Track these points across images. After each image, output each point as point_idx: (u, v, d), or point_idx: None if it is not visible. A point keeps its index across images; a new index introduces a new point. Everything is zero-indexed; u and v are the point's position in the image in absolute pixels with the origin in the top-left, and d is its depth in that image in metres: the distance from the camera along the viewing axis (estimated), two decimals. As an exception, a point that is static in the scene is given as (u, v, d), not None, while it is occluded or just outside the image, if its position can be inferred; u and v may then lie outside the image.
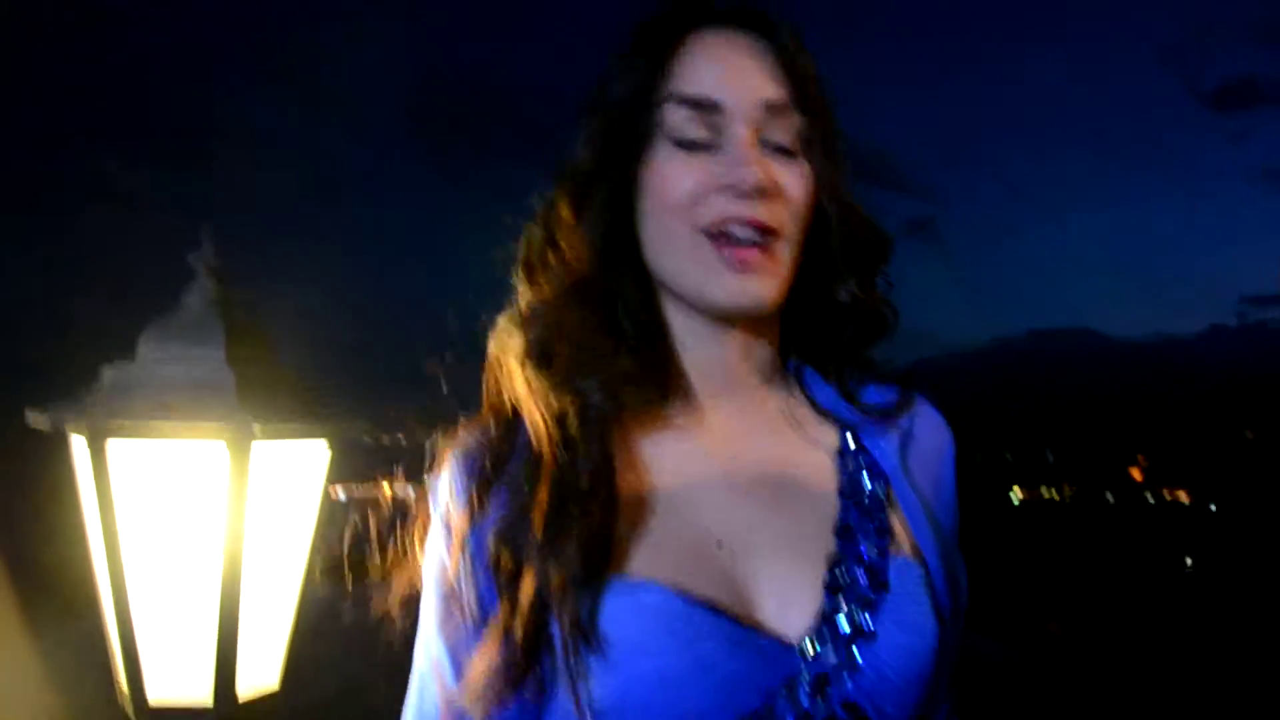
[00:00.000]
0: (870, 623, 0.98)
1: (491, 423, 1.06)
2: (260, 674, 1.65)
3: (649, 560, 0.98)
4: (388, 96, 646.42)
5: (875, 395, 1.16)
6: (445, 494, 1.04)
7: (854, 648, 0.97)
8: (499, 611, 0.96)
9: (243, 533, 1.55)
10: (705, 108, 1.01)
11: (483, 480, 1.01)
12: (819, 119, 1.04)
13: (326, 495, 1.71)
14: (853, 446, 1.12)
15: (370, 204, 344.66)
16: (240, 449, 1.53)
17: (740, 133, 1.00)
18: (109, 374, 1.64)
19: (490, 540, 0.98)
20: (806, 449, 1.11)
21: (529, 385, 1.02)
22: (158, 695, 1.58)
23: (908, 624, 1.00)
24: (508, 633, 0.95)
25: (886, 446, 1.12)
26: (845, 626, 0.98)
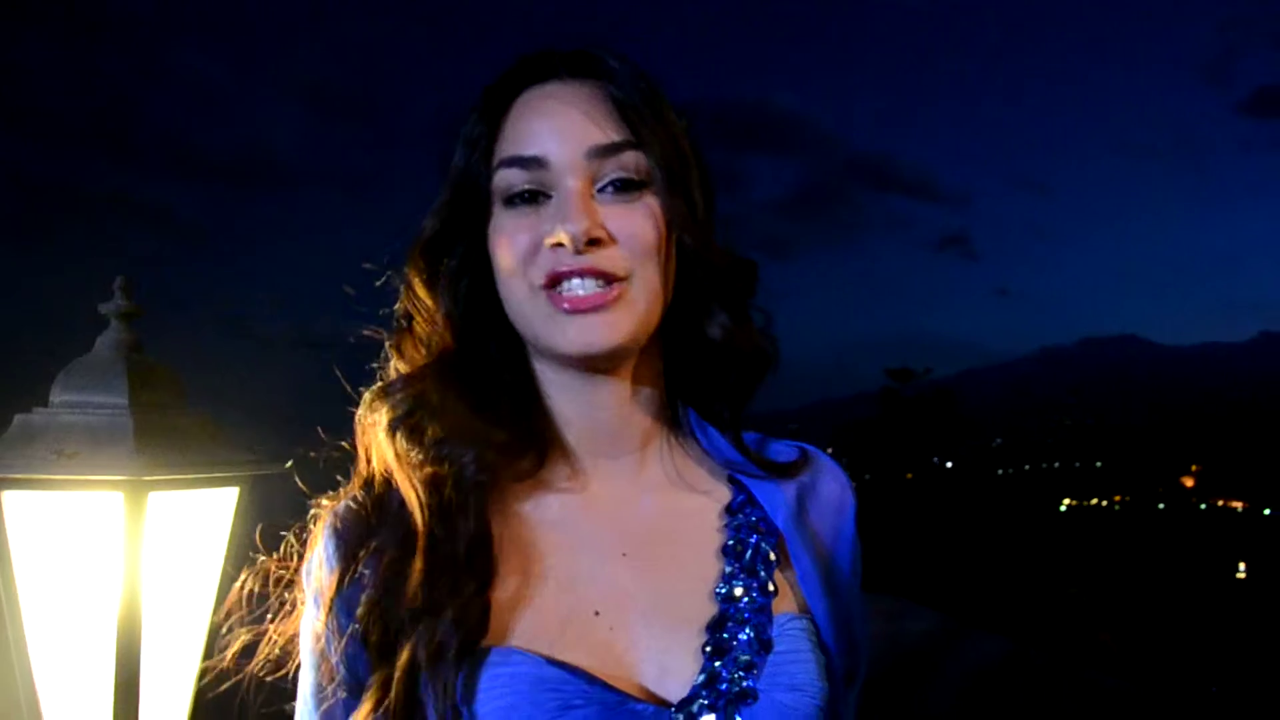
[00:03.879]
0: (752, 684, 0.97)
1: (360, 492, 1.05)
2: (166, 714, 1.66)
3: (523, 630, 0.97)
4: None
5: (774, 451, 1.14)
6: (315, 564, 1.03)
7: (734, 710, 0.96)
8: (372, 682, 0.95)
9: (139, 579, 1.55)
10: (531, 165, 1.00)
11: (351, 550, 1.00)
12: (664, 153, 1.01)
13: (236, 538, 1.71)
14: (744, 503, 1.09)
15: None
16: (136, 499, 1.53)
17: (569, 184, 0.99)
18: (18, 421, 1.65)
19: (360, 611, 0.97)
20: (692, 507, 1.09)
21: (399, 457, 1.01)
22: (59, 739, 1.58)
23: (791, 684, 0.98)
24: (380, 703, 0.94)
25: (780, 501, 1.09)
26: (725, 689, 0.96)
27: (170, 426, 1.64)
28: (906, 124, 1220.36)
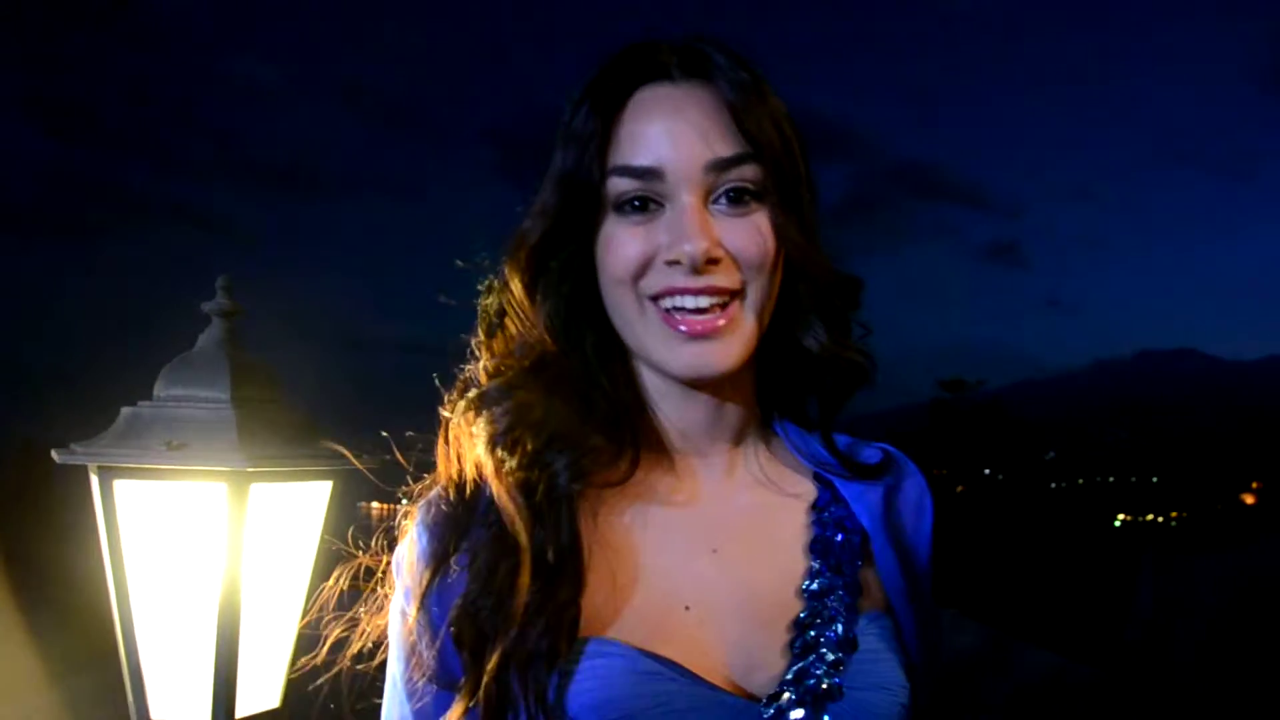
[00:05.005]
0: (837, 681, 0.99)
1: (452, 490, 1.05)
2: (261, 694, 1.75)
3: (619, 624, 0.98)
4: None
5: (859, 452, 1.15)
6: (408, 559, 1.04)
7: (821, 707, 0.98)
8: (464, 682, 0.97)
9: (240, 567, 1.63)
10: (646, 175, 0.99)
11: (443, 548, 1.02)
12: (778, 164, 1.01)
13: (329, 529, 1.78)
14: (829, 501, 1.11)
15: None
16: (238, 489, 1.61)
17: (685, 200, 0.98)
18: (125, 414, 1.74)
19: (453, 614, 0.97)
20: (780, 506, 1.10)
21: (495, 465, 1.00)
22: (160, 713, 1.68)
23: (876, 682, 1.00)
24: (473, 700, 0.96)
25: (865, 501, 1.10)
26: (812, 685, 0.98)
27: (270, 421, 1.72)
28: (952, 132, 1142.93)
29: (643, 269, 1.00)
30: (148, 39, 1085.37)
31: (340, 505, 1.83)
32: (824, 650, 1.00)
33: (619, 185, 1.00)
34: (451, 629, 0.97)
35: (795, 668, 0.99)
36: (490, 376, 1.06)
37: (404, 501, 1.09)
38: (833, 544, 1.07)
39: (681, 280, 0.98)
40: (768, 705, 0.97)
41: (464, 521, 1.03)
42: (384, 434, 1.15)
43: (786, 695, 0.97)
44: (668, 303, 0.99)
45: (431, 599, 1.00)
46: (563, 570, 0.97)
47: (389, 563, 1.09)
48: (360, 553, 1.13)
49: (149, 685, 1.67)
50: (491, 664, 0.94)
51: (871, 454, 1.15)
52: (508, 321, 1.07)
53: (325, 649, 1.11)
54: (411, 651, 1.02)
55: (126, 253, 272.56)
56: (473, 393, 1.05)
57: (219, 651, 1.65)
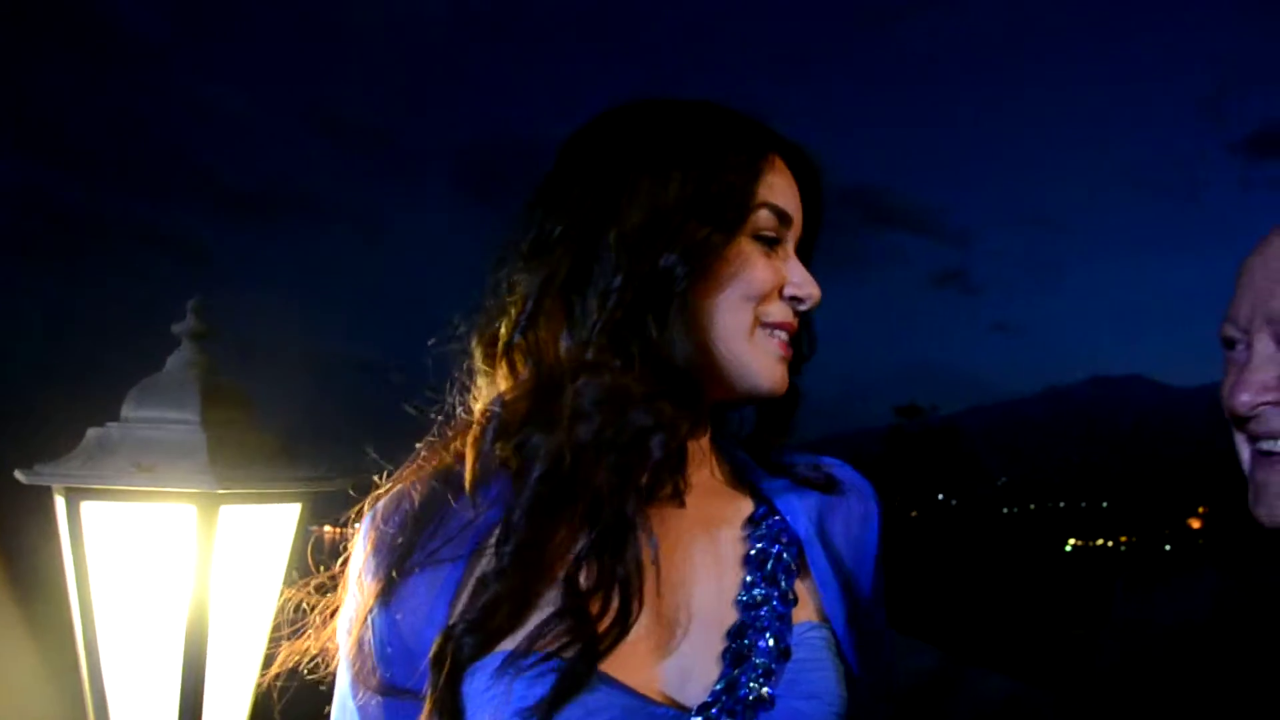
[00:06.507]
0: (770, 691, 1.01)
1: (417, 497, 1.06)
2: (227, 717, 1.72)
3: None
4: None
5: (795, 464, 1.18)
6: (355, 571, 1.06)
7: (751, 716, 0.99)
8: (426, 692, 0.98)
9: (208, 589, 1.62)
10: (785, 219, 1.10)
11: (399, 560, 1.03)
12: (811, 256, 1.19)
13: (297, 549, 1.78)
14: (765, 514, 1.14)
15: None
16: (208, 512, 1.61)
17: (791, 250, 1.12)
18: (92, 434, 1.73)
19: (438, 642, 0.98)
20: (717, 517, 1.13)
21: (583, 462, 1.00)
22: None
23: (809, 691, 1.02)
24: (435, 714, 0.97)
25: (800, 510, 1.13)
26: (743, 695, 1.00)
27: (240, 443, 1.72)
28: (899, 156, 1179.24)
29: (767, 296, 1.09)
30: (117, 63, 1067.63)
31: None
32: (756, 660, 1.02)
33: (765, 218, 1.10)
34: (409, 637, 0.99)
35: (726, 677, 1.01)
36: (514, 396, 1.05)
37: (355, 525, 1.09)
38: (768, 555, 1.10)
39: (792, 316, 1.11)
40: (697, 714, 0.99)
41: (425, 531, 1.03)
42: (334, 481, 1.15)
43: (717, 704, 0.99)
44: (770, 329, 1.10)
45: (382, 610, 1.02)
46: (608, 600, 0.98)
47: (338, 586, 1.09)
48: (313, 575, 1.13)
49: (112, 709, 1.66)
50: (454, 669, 0.96)
51: (804, 465, 1.19)
52: (541, 329, 1.05)
53: (275, 668, 1.12)
54: (355, 664, 1.03)
55: (96, 276, 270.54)
56: (570, 389, 1.02)
57: (185, 675, 1.64)
